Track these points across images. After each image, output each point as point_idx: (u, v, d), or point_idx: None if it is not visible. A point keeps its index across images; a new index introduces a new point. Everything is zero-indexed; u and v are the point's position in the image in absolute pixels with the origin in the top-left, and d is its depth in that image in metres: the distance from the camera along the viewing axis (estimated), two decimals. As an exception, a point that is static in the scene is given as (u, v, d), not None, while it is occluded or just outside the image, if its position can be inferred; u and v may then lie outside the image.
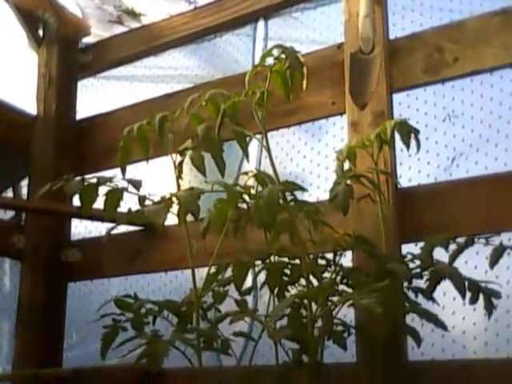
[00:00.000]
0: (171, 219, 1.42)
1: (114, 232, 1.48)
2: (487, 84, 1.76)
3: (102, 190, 1.41)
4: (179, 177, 1.47)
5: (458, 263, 1.40)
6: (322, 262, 1.55)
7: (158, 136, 1.49)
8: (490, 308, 1.31)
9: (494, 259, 1.33)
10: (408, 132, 1.49)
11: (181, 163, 1.47)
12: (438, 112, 1.83)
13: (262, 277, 1.56)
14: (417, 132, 1.50)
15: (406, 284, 1.45)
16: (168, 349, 1.32)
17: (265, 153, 1.50)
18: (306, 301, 1.41)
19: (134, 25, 2.53)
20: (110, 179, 1.40)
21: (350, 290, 1.47)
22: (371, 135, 1.57)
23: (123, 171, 1.51)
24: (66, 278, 2.36)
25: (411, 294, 1.44)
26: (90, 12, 2.59)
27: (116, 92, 2.60)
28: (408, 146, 1.48)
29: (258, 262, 1.57)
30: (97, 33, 2.62)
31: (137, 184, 1.40)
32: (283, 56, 1.42)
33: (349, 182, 1.47)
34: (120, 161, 1.52)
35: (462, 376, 1.55)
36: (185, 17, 2.35)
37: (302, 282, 1.49)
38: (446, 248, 1.41)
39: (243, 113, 1.46)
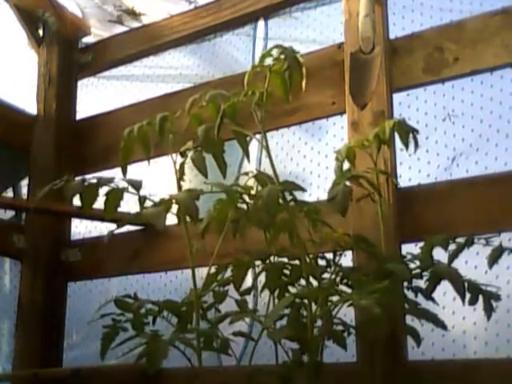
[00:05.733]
0: (171, 219, 1.42)
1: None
2: (487, 84, 1.76)
3: (103, 189, 1.41)
4: (181, 178, 1.47)
5: (458, 263, 1.40)
6: (321, 262, 1.55)
7: (159, 136, 1.49)
8: (489, 310, 1.31)
9: (493, 260, 1.33)
10: (407, 132, 1.49)
11: (182, 164, 1.47)
12: (437, 112, 1.83)
13: (262, 277, 1.56)
14: (416, 132, 1.50)
15: (405, 284, 1.45)
16: (167, 349, 1.32)
17: (265, 153, 1.50)
18: (305, 301, 1.41)
19: (134, 25, 2.54)
20: (110, 180, 1.40)
21: (349, 291, 1.47)
22: (370, 135, 1.57)
23: (124, 172, 1.51)
24: (66, 278, 2.36)
25: (411, 294, 1.44)
26: (90, 12, 2.59)
27: (116, 92, 2.60)
28: (407, 145, 1.48)
29: (258, 263, 1.57)
30: (97, 33, 2.62)
31: (136, 185, 1.39)
32: (282, 56, 1.42)
33: (348, 183, 1.46)
34: (121, 162, 1.52)
35: (462, 376, 1.55)
36: (185, 17, 2.34)
37: (302, 282, 1.49)
38: (446, 248, 1.41)
39: (243, 113, 1.46)
